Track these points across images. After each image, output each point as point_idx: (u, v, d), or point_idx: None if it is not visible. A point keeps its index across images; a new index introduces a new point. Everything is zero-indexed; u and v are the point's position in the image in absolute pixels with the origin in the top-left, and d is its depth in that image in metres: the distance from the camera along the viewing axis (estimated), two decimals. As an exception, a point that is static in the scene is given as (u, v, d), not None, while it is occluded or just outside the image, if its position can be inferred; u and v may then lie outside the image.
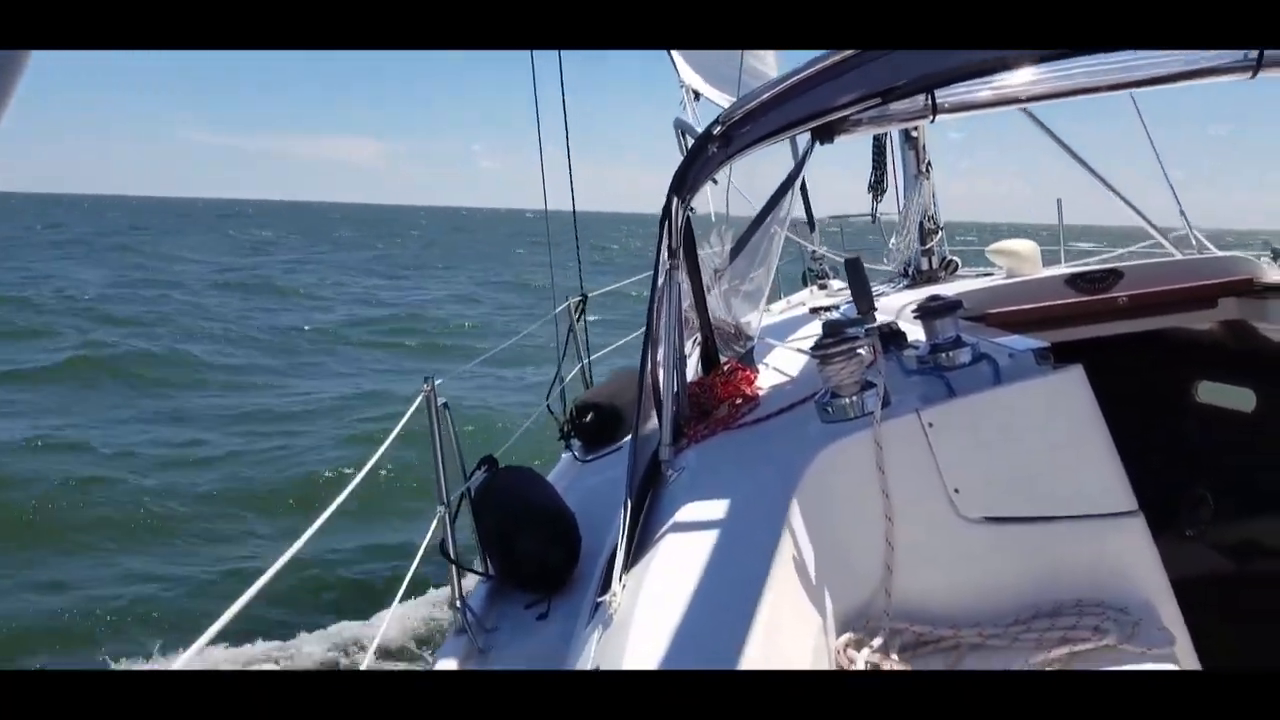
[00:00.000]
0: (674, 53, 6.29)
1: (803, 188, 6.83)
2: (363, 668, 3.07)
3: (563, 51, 5.59)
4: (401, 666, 6.77)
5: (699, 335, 3.44)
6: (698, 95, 6.15)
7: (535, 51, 5.58)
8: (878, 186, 6.05)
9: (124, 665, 7.12)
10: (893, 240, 5.53)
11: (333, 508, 2.85)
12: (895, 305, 3.99)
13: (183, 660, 1.92)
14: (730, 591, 1.74)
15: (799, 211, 6.86)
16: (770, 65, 6.18)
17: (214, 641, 1.99)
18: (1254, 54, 2.59)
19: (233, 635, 7.09)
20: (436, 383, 3.33)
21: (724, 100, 5.66)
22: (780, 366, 3.48)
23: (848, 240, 7.18)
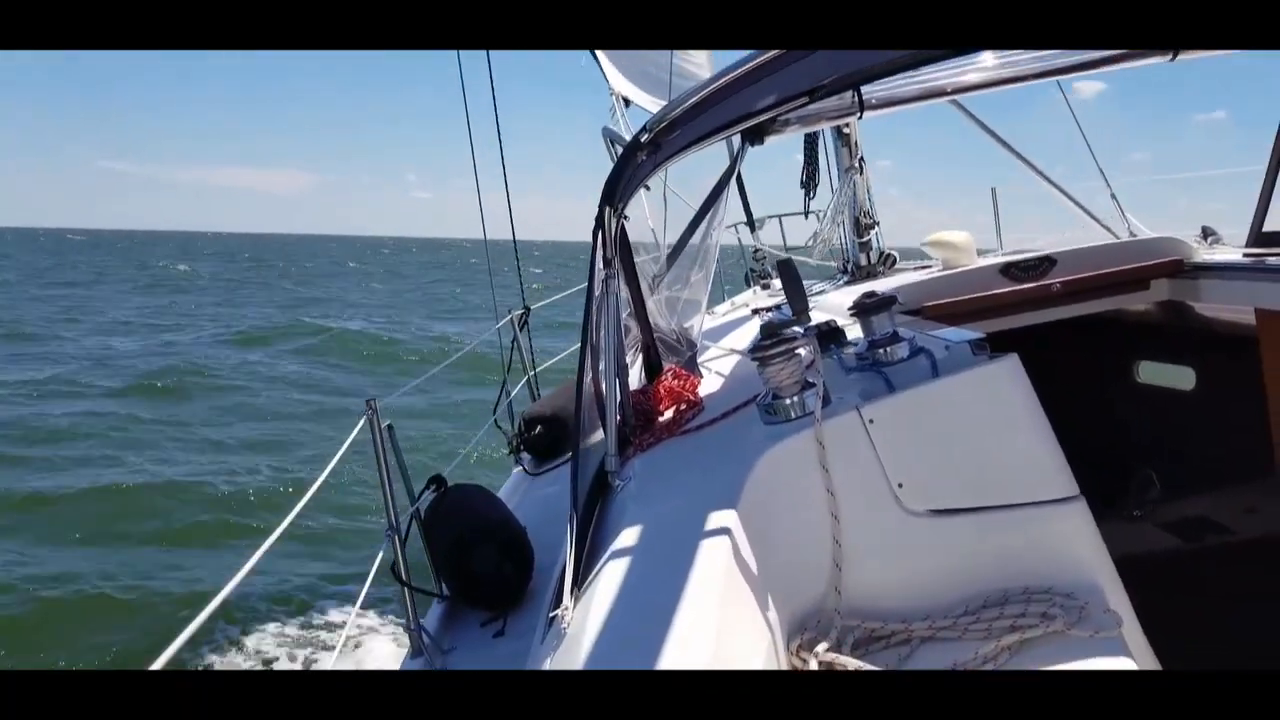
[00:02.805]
0: (603, 59, 6.27)
1: (741, 187, 6.86)
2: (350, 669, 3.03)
3: (491, 52, 5.56)
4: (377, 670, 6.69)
5: (640, 344, 3.44)
6: (628, 102, 6.14)
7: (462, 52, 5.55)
8: (809, 183, 6.09)
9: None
10: (818, 228, 5.55)
11: (279, 531, 2.81)
12: (836, 302, 4.02)
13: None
14: (681, 598, 1.73)
15: (738, 213, 6.89)
16: (704, 68, 6.19)
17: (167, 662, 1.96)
18: None
19: (178, 664, 6.96)
20: (379, 404, 3.29)
21: (655, 106, 5.66)
22: (723, 370, 3.48)
23: (792, 239, 7.23)
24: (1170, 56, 2.69)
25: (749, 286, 6.85)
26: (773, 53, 2.43)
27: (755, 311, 4.88)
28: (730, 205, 4.63)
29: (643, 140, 2.63)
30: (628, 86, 6.15)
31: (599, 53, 6.19)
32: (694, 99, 2.58)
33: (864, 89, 3.00)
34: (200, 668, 7.11)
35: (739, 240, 6.99)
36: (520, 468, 4.94)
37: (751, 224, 7.03)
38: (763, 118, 2.72)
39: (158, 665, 1.93)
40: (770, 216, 7.15)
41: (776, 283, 6.57)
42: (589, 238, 2.73)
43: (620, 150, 2.87)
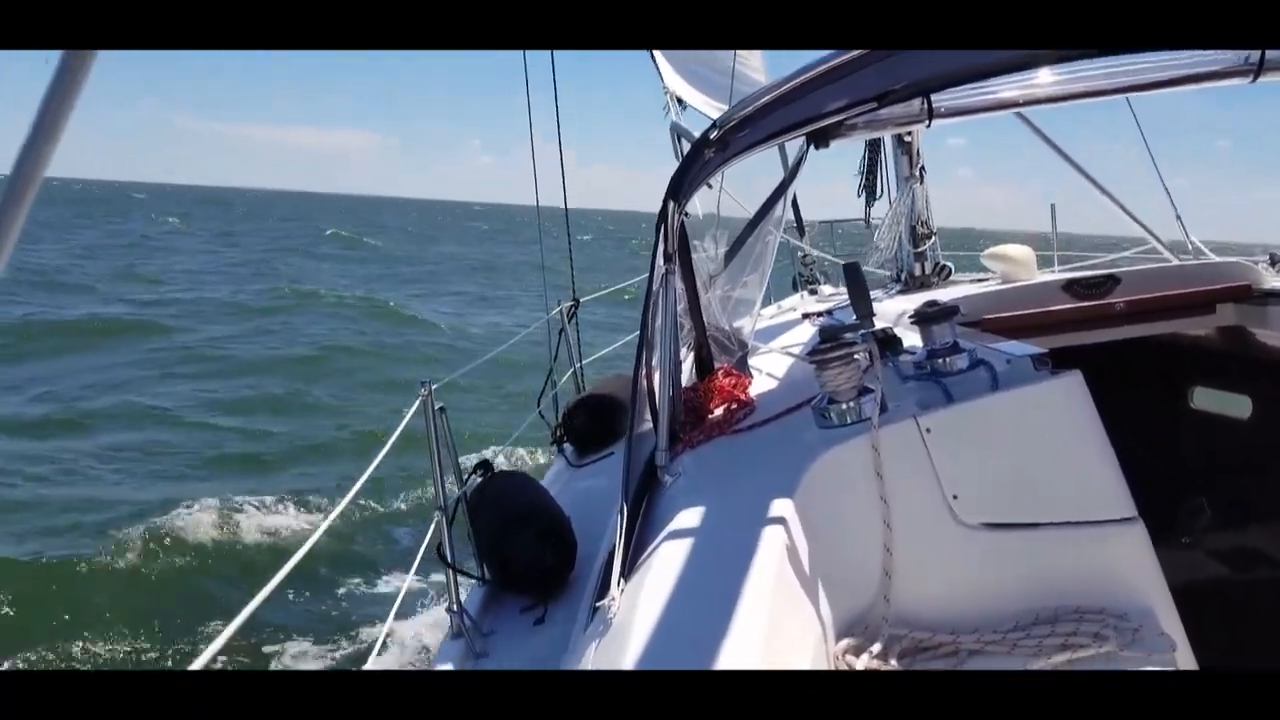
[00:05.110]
0: (659, 59, 6.28)
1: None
2: (363, 669, 3.06)
3: (555, 52, 5.59)
4: (398, 669, 6.77)
5: (693, 340, 3.44)
6: (682, 102, 6.15)
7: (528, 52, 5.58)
8: (870, 190, 6.05)
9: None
10: (875, 236, 5.52)
11: (336, 512, 2.85)
12: (890, 311, 4.00)
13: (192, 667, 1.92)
14: (728, 597, 1.73)
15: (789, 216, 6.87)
16: (759, 71, 6.18)
17: (217, 652, 2.00)
18: (1255, 57, 2.60)
19: (232, 644, 7.08)
20: (434, 387, 3.32)
21: (707, 105, 5.66)
22: (775, 372, 3.47)
23: (839, 246, 7.20)
24: (1251, 78, 2.65)
25: (796, 291, 6.83)
26: (844, 56, 2.42)
27: (805, 316, 4.87)
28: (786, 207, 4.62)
29: (712, 138, 2.64)
30: (683, 87, 6.16)
31: (656, 52, 6.21)
32: (765, 99, 2.58)
33: (933, 97, 2.98)
34: (242, 646, 7.22)
35: (790, 239, 6.98)
36: (563, 459, 4.96)
37: (801, 229, 7.01)
38: (830, 120, 2.72)
39: (208, 654, 1.95)
40: (824, 221, 7.13)
41: (825, 288, 6.55)
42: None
43: (688, 146, 2.88)
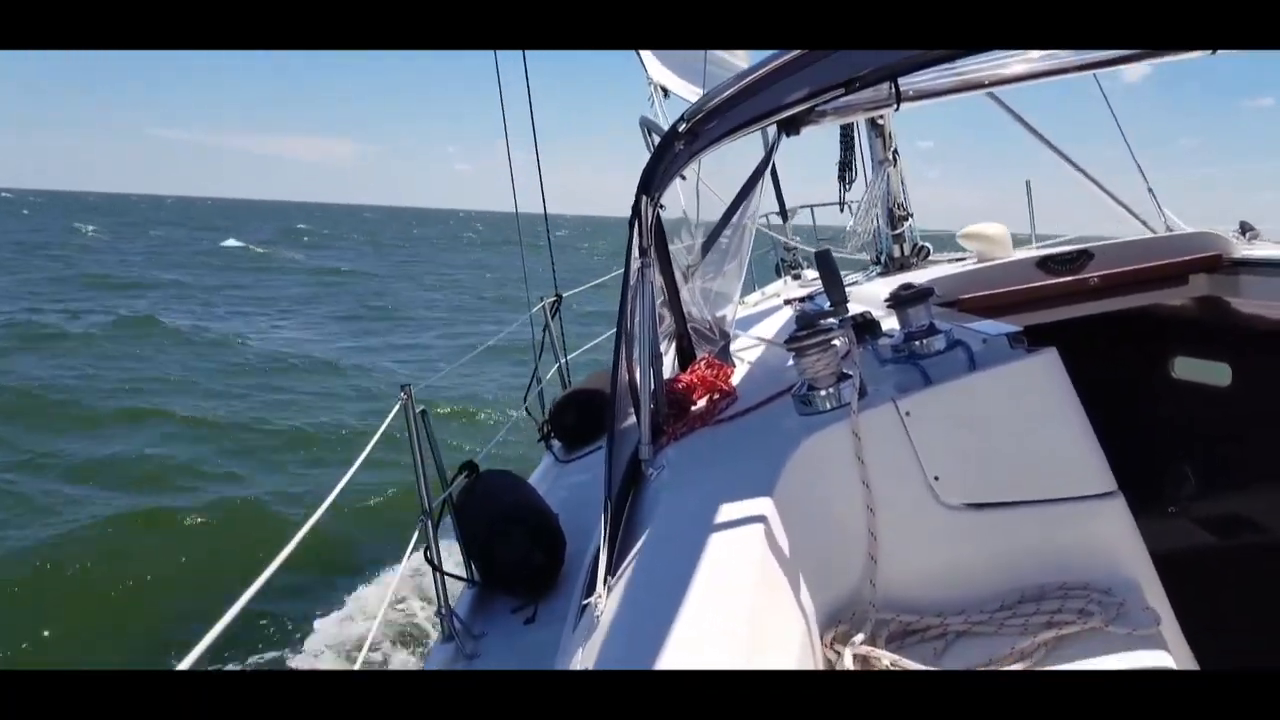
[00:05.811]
0: (643, 51, 6.27)
1: (775, 178, 6.84)
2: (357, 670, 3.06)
3: (528, 52, 5.58)
4: (391, 670, 6.73)
5: (674, 332, 3.43)
6: (666, 92, 6.13)
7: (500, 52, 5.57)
8: (845, 173, 6.06)
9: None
10: (850, 223, 5.53)
11: (316, 516, 2.84)
12: (870, 294, 4.00)
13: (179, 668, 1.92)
14: (715, 588, 1.73)
15: (771, 203, 6.87)
16: (741, 59, 6.17)
17: (199, 657, 2.00)
18: None
19: (215, 649, 7.02)
20: (414, 389, 3.31)
21: (693, 96, 5.64)
22: (756, 360, 3.47)
23: (822, 230, 7.20)
24: (1211, 50, 2.66)
25: (779, 277, 6.84)
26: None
27: (787, 302, 4.87)
28: (762, 195, 4.61)
29: (680, 130, 2.63)
30: (666, 75, 6.14)
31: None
32: (732, 89, 2.58)
33: (900, 81, 2.99)
34: (226, 655, 7.17)
35: (770, 230, 6.98)
36: (551, 455, 4.96)
37: (784, 214, 7.00)
38: (799, 109, 2.71)
39: (187, 662, 1.95)
40: (803, 206, 7.13)
41: (808, 273, 6.55)
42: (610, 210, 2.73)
43: (658, 139, 2.87)
